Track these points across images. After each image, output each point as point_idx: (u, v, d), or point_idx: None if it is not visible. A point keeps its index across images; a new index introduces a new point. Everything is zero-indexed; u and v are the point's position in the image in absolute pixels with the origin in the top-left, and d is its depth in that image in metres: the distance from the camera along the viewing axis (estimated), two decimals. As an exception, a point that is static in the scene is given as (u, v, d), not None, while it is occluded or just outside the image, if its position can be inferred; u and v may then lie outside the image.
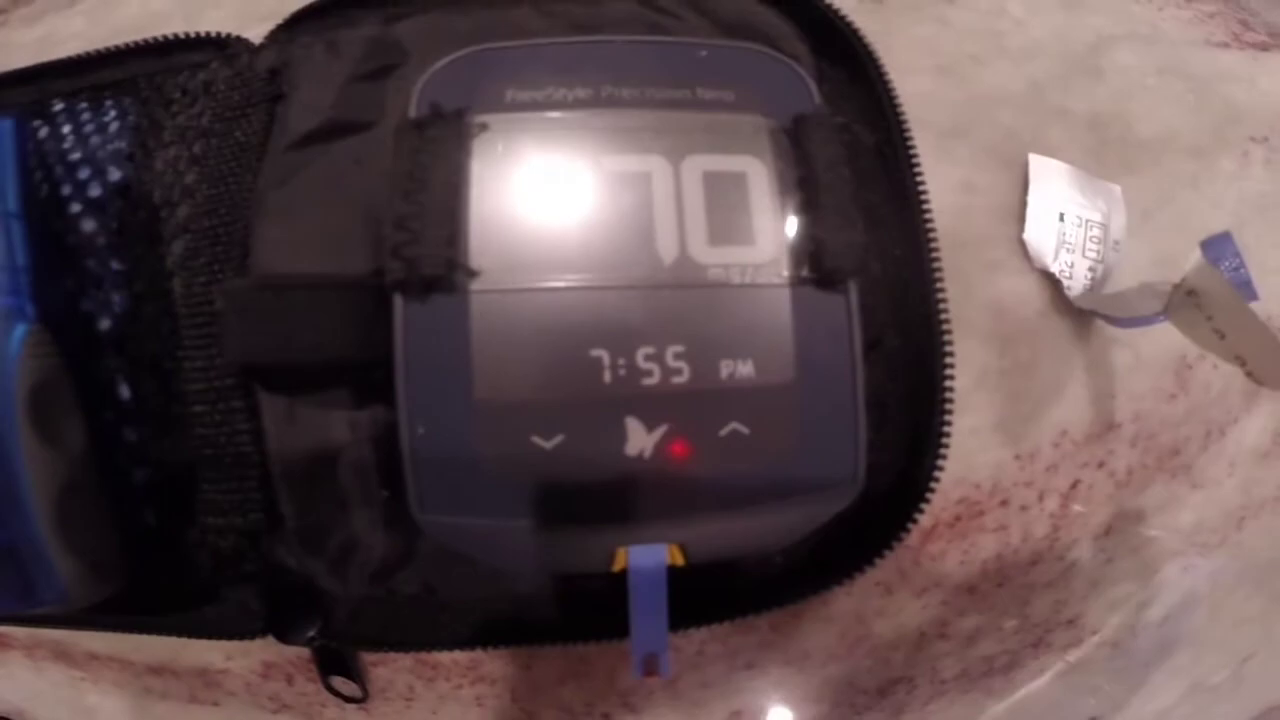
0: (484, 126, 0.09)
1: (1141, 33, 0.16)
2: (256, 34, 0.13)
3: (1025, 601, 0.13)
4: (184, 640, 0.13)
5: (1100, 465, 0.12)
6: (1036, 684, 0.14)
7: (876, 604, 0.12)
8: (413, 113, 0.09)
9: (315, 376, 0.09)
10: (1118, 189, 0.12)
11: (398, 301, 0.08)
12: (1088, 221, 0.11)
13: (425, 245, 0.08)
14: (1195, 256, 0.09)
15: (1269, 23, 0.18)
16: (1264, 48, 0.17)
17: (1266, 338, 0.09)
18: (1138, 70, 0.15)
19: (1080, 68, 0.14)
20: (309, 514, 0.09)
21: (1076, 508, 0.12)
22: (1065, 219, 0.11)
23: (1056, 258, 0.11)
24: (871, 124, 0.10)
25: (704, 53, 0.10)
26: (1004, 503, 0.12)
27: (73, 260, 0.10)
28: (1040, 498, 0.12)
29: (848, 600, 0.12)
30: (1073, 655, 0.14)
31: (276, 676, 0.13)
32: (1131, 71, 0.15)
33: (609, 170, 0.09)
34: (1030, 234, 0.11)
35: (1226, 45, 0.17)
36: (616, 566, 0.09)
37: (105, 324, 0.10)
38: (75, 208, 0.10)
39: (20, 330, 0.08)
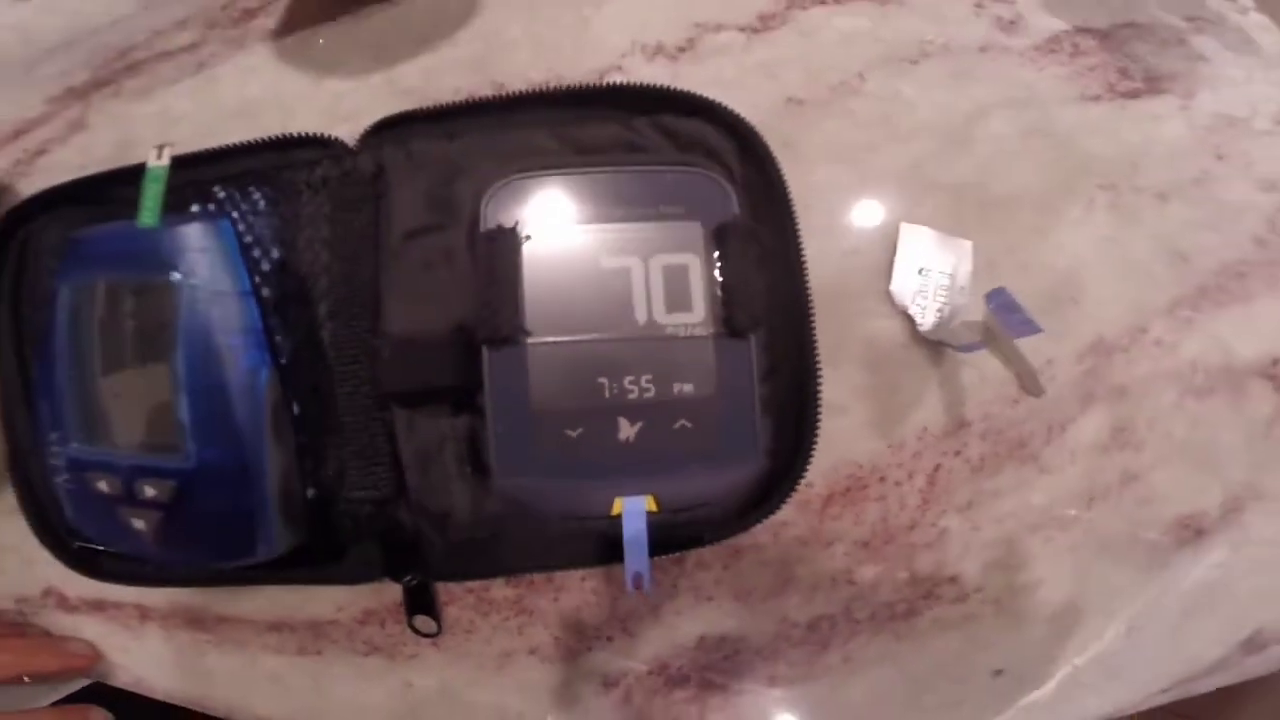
0: (529, 237, 0.18)
1: (1018, 98, 0.25)
2: (342, 131, 0.22)
3: (910, 558, 0.21)
4: (304, 599, 0.22)
5: (957, 454, 0.21)
6: (936, 631, 0.22)
7: (797, 552, 0.21)
8: (483, 227, 0.18)
9: (429, 397, 0.18)
10: (969, 244, 0.21)
11: (485, 351, 0.17)
12: (940, 273, 0.20)
13: (500, 317, 0.17)
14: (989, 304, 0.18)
15: (1150, 67, 0.28)
16: (1135, 95, 0.26)
17: (1024, 362, 0.18)
18: (1006, 136, 0.24)
19: (954, 140, 0.23)
20: (423, 487, 0.18)
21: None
22: (923, 273, 0.20)
23: (914, 303, 0.20)
24: (772, 209, 0.19)
25: (666, 177, 0.19)
26: (882, 479, 0.21)
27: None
28: (910, 475, 0.21)
29: (776, 548, 0.21)
30: (961, 609, 0.22)
31: (373, 622, 0.22)
32: (1000, 138, 0.24)
33: (605, 267, 0.18)
34: (895, 286, 0.20)
35: (1098, 98, 0.26)
36: (614, 511, 0.17)
37: (281, 361, 0.19)
38: (256, 279, 0.19)
39: (264, 373, 0.17)
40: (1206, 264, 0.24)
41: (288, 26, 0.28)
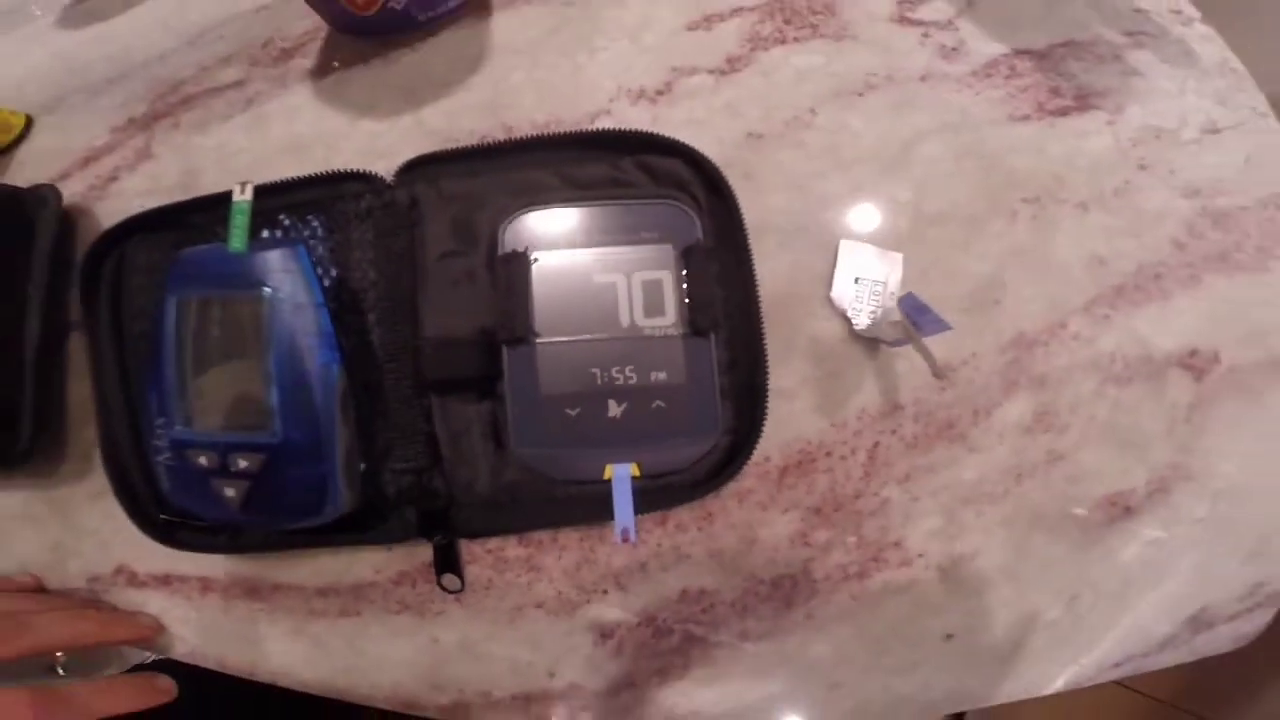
0: (536, 259, 0.26)
1: (952, 122, 0.32)
2: (379, 166, 0.30)
3: (858, 525, 0.28)
4: (347, 564, 0.29)
5: (893, 432, 0.28)
6: (888, 595, 0.29)
7: (759, 516, 0.27)
8: (500, 251, 0.26)
9: (459, 386, 0.25)
10: (900, 256, 0.28)
11: (504, 349, 0.24)
12: (874, 281, 0.27)
13: (515, 322, 0.24)
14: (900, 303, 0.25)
15: (1082, 84, 0.35)
16: (1064, 112, 0.34)
17: (928, 353, 0.25)
18: (940, 158, 0.31)
19: (893, 164, 0.31)
20: (454, 459, 0.25)
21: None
22: (859, 281, 0.27)
23: (851, 306, 0.27)
24: (730, 232, 0.27)
25: (645, 208, 0.27)
26: (828, 454, 0.27)
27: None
28: (853, 451, 0.28)
29: (741, 512, 0.27)
30: (907, 573, 0.29)
31: (405, 583, 0.29)
32: (935, 160, 0.31)
33: (596, 282, 0.25)
34: (835, 292, 0.27)
35: (1027, 118, 0.33)
36: (606, 476, 0.24)
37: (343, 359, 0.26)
38: (321, 295, 0.27)
39: (335, 368, 0.24)
40: (1124, 266, 0.31)
41: (323, 68, 0.36)
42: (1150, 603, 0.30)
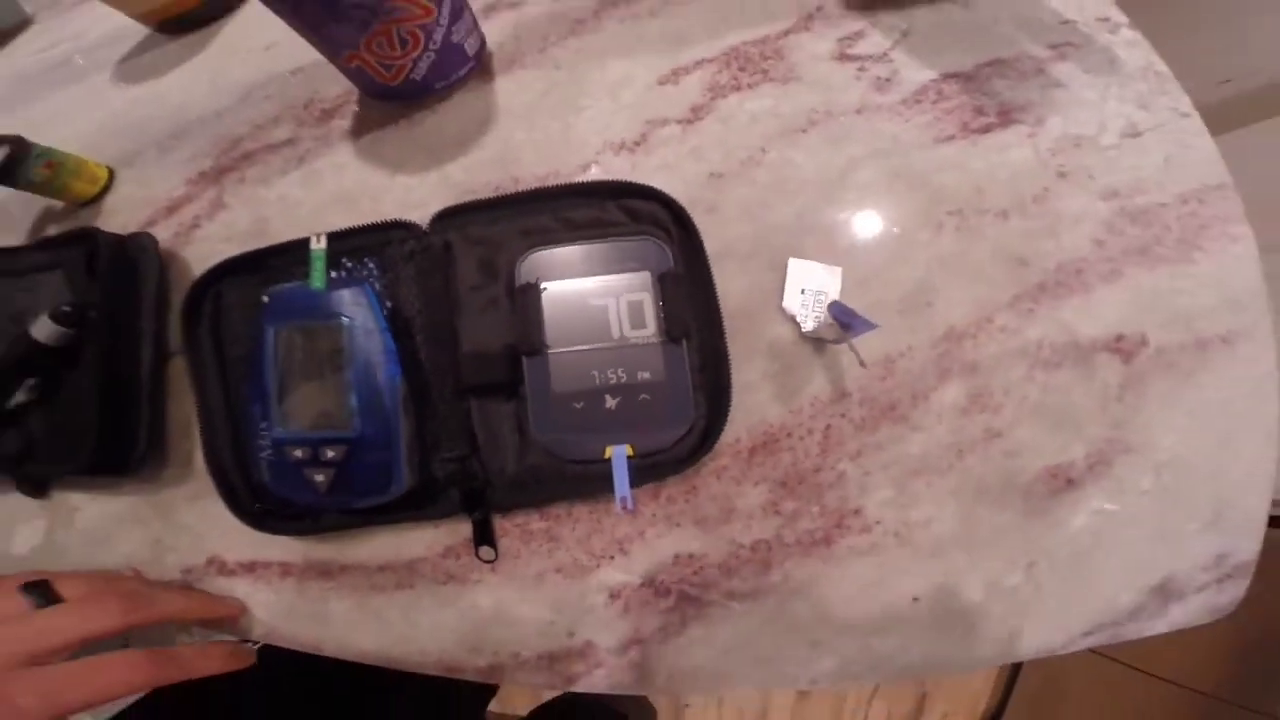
0: (545, 289, 0.37)
1: (884, 148, 0.42)
2: (416, 215, 0.41)
3: (819, 495, 0.38)
4: (402, 543, 0.40)
5: (843, 415, 0.38)
6: (853, 557, 0.38)
7: (734, 489, 0.37)
8: (518, 283, 0.37)
9: (491, 390, 0.36)
10: (839, 269, 0.38)
11: (524, 359, 0.35)
12: (816, 292, 0.37)
13: (532, 338, 0.35)
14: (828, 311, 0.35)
15: (1005, 101, 0.43)
16: (987, 130, 0.43)
17: (854, 349, 0.35)
18: (873, 182, 0.41)
19: (832, 191, 0.41)
20: (488, 448, 0.36)
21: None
22: (804, 292, 0.37)
23: (799, 313, 0.37)
24: (696, 260, 0.37)
25: (627, 244, 0.37)
26: (789, 435, 0.37)
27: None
28: (809, 432, 0.37)
29: (719, 485, 0.37)
30: (868, 539, 0.38)
31: (450, 555, 0.40)
32: (868, 184, 0.41)
33: (592, 304, 0.36)
34: (785, 303, 0.37)
35: (952, 138, 0.43)
36: (606, 455, 0.35)
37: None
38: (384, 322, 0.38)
39: (397, 379, 0.36)
40: (1044, 265, 0.40)
41: (359, 129, 0.48)
42: (1109, 571, 0.36)
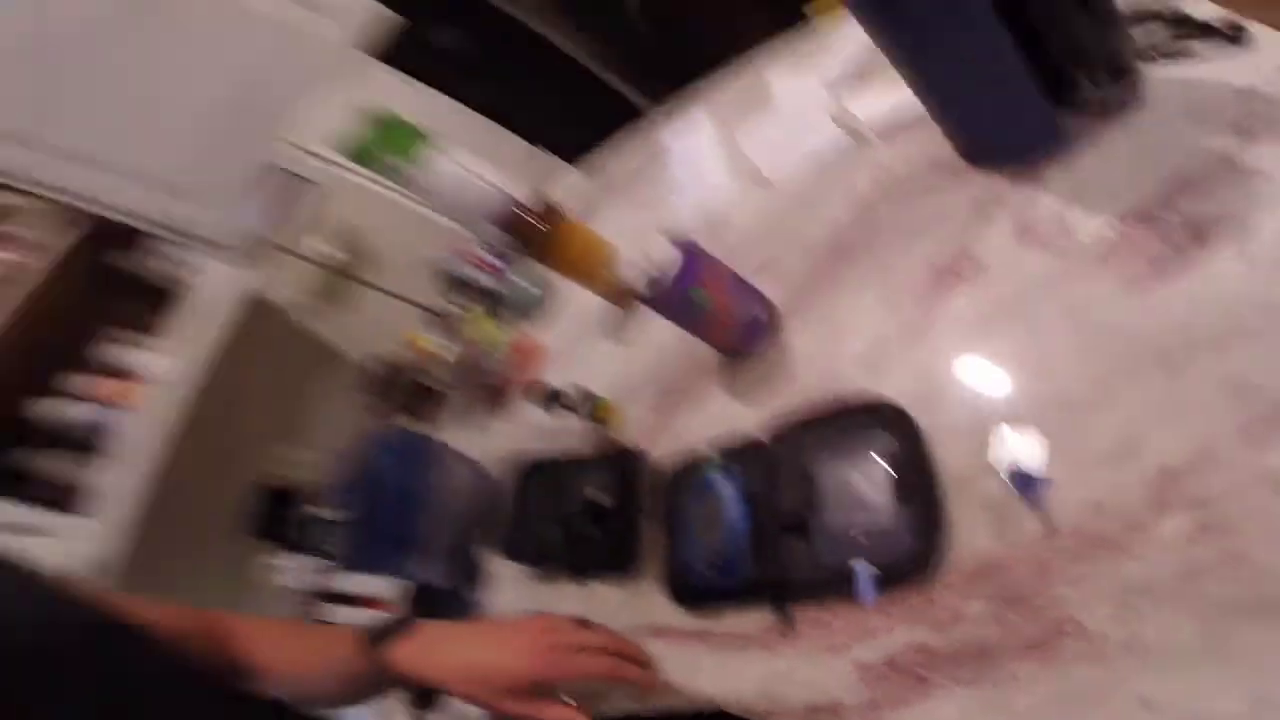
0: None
1: (1076, 306, 0.50)
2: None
3: (1040, 613, 0.44)
4: (745, 620, 0.64)
5: (1057, 549, 0.45)
6: (1077, 660, 0.41)
7: (959, 603, 0.49)
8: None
9: (794, 531, 0.62)
10: (1037, 433, 0.49)
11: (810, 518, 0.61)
12: (1017, 455, 0.49)
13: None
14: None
15: (1196, 217, 0.44)
16: (1182, 254, 0.45)
17: (1039, 515, 0.45)
18: (1066, 345, 0.51)
19: (1031, 366, 0.53)
20: (792, 565, 0.62)
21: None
22: (1009, 455, 0.50)
23: (996, 464, 0.50)
24: (917, 445, 0.56)
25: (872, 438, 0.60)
26: (1006, 567, 0.47)
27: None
28: (1023, 561, 0.46)
29: (946, 597, 0.49)
30: (1090, 648, 0.41)
31: (769, 631, 0.61)
32: (1062, 349, 0.51)
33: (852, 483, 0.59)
34: (993, 460, 0.51)
35: (1142, 282, 0.47)
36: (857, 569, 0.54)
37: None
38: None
39: (746, 526, 0.66)
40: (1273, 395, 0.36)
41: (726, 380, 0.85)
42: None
